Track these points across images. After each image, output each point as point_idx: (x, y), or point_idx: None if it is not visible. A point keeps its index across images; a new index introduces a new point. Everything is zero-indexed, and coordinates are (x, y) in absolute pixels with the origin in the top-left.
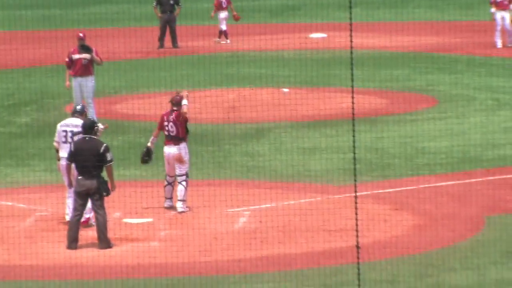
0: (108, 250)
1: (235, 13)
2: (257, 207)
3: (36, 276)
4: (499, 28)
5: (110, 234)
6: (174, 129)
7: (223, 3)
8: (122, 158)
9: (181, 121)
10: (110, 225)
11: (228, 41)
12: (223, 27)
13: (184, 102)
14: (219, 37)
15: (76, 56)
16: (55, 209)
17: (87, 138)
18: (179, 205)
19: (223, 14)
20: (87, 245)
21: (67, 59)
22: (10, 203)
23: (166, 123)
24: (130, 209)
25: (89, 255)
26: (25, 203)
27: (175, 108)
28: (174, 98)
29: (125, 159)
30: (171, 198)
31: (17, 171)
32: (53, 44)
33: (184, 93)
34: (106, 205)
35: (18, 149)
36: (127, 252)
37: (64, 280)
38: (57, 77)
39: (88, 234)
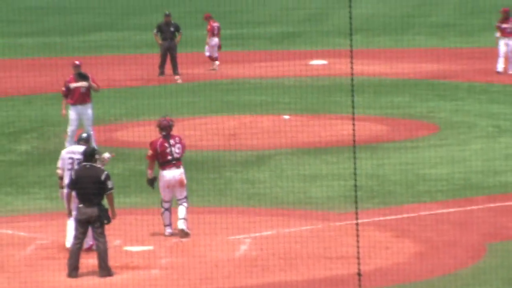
0: (108, 278)
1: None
2: (258, 234)
3: None
4: (502, 54)
5: (111, 262)
6: (180, 150)
7: (215, 30)
8: (123, 186)
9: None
10: (110, 253)
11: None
12: (215, 53)
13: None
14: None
15: (73, 85)
16: (55, 237)
17: (87, 166)
18: (181, 224)
19: (214, 41)
20: (88, 273)
21: (63, 88)
22: (10, 231)
23: (168, 148)
24: (131, 236)
25: (90, 283)
26: (25, 231)
27: (164, 133)
28: (162, 122)
29: (126, 186)
30: (170, 225)
31: (17, 199)
32: (54, 72)
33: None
34: (106, 232)
35: (18, 177)
36: (128, 280)
37: None
38: (58, 104)
39: (89, 262)
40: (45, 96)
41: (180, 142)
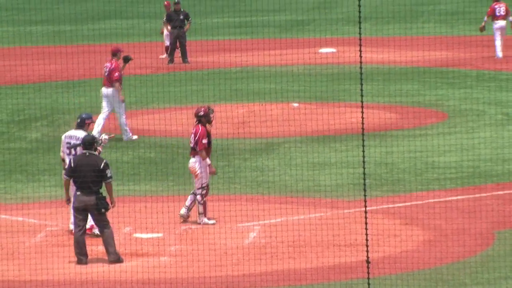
0: (118, 265)
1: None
2: (267, 222)
3: None
4: (498, 38)
5: (121, 249)
6: (192, 139)
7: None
8: (132, 173)
9: (199, 135)
10: (120, 240)
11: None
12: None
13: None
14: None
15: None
16: (65, 224)
17: (87, 154)
18: (182, 210)
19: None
20: (98, 260)
21: (117, 74)
22: (20, 219)
23: (191, 136)
24: (141, 224)
25: (99, 271)
26: (35, 218)
27: (196, 121)
28: (196, 110)
29: (135, 174)
30: (187, 206)
31: (27, 187)
32: (64, 60)
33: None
34: (116, 220)
35: (28, 164)
36: (137, 267)
37: None
38: (67, 92)
39: (99, 250)
40: (55, 84)
41: (193, 132)
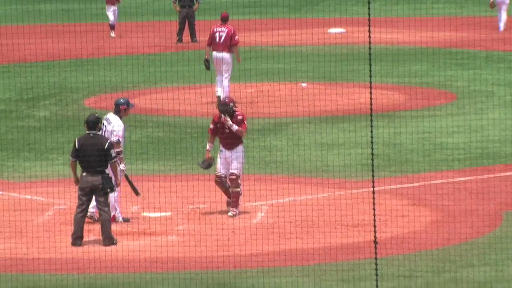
0: (126, 243)
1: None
2: (275, 201)
3: (55, 270)
4: (501, 12)
5: (129, 228)
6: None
7: None
8: (141, 152)
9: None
10: (129, 218)
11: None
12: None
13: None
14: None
15: None
16: (74, 203)
17: (91, 135)
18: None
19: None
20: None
21: (237, 37)
22: (29, 197)
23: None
24: (149, 203)
25: (107, 249)
26: (44, 197)
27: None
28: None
29: (143, 153)
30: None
31: (36, 165)
32: (72, 39)
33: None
34: (124, 199)
35: (37, 142)
36: (145, 246)
37: (82, 273)
38: (76, 71)
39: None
40: (63, 62)
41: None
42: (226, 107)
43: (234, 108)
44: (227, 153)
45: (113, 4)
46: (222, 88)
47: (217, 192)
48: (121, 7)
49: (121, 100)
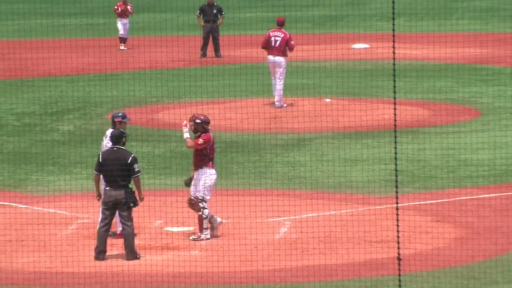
0: (149, 258)
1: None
2: (298, 217)
3: (78, 283)
4: None
5: (151, 243)
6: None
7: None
8: (164, 167)
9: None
10: (151, 233)
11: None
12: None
13: (185, 133)
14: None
15: None
16: (97, 217)
17: (115, 149)
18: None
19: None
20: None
21: (293, 42)
22: (52, 210)
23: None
24: (172, 217)
25: (130, 263)
26: (67, 211)
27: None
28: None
29: (167, 167)
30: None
31: (59, 179)
32: (96, 53)
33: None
34: (147, 214)
35: (60, 156)
36: (168, 261)
37: (105, 287)
38: (100, 85)
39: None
40: (87, 76)
41: None
42: (192, 121)
43: (205, 127)
44: (195, 173)
45: (123, 17)
46: (275, 92)
47: (240, 207)
48: (146, 22)
49: (119, 113)
